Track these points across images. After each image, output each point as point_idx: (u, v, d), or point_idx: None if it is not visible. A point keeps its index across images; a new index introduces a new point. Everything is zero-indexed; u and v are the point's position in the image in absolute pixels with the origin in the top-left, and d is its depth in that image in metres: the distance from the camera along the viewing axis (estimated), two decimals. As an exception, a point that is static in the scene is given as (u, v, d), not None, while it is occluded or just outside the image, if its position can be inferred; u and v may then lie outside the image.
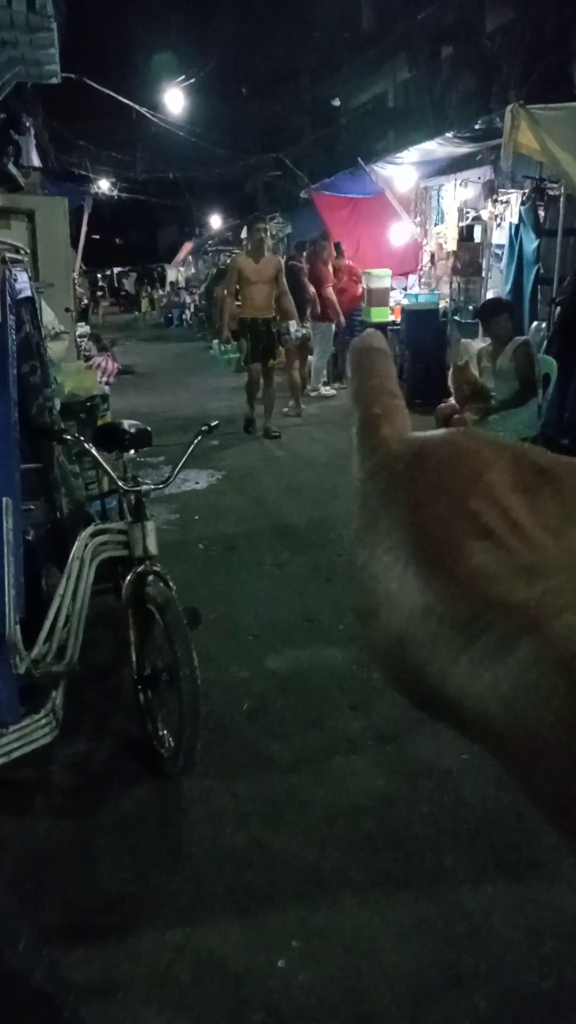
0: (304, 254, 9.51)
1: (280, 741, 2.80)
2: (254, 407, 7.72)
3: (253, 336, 7.35)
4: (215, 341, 8.05)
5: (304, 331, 7.91)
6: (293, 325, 7.53)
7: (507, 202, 7.48)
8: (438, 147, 8.67)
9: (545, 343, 5.88)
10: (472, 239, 8.67)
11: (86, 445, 2.81)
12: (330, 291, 9.05)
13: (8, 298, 2.33)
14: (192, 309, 22.38)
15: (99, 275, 29.63)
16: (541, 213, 6.86)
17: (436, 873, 2.19)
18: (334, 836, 2.34)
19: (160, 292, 28.77)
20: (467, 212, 9.00)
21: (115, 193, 19.70)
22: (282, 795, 2.52)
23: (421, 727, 2.86)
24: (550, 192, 6.71)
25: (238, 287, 7.48)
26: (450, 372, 5.94)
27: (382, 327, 9.42)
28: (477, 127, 7.87)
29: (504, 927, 2.01)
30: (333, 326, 9.23)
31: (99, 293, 29.03)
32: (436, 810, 2.43)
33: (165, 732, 2.60)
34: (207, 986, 1.89)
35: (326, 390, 9.45)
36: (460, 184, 9.20)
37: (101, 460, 2.80)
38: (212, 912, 2.09)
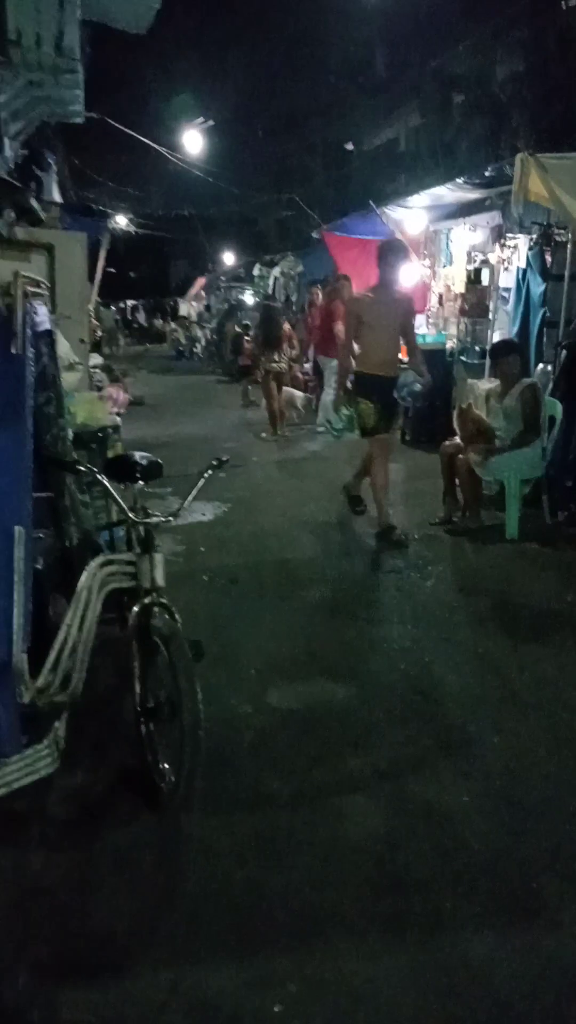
0: (324, 290, 9.76)
1: (280, 778, 2.78)
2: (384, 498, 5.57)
3: (381, 397, 5.44)
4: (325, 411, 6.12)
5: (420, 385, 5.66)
6: (410, 375, 5.56)
7: (515, 247, 7.61)
8: (448, 192, 8.85)
9: (551, 385, 5.94)
10: (480, 282, 8.80)
11: (98, 475, 2.84)
12: (340, 327, 9.21)
13: (28, 331, 2.38)
14: (203, 343, 22.66)
15: (113, 307, 30.04)
16: (548, 258, 6.97)
17: (435, 917, 2.17)
18: (332, 877, 2.32)
19: (172, 325, 29.15)
20: (475, 255, 9.15)
21: (131, 228, 20.07)
22: (281, 833, 2.50)
23: (422, 767, 2.84)
24: (557, 238, 6.83)
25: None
26: (456, 411, 6.00)
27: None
28: (487, 173, 8.04)
29: (504, 975, 1.98)
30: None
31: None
32: (436, 852, 2.41)
33: (165, 765, 2.59)
34: (201, 1028, 1.86)
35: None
36: (469, 228, 9.37)
37: (112, 490, 2.83)
38: (207, 952, 2.06)
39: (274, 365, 9.20)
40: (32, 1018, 1.89)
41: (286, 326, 9.47)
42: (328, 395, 9.63)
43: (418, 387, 5.56)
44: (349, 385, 5.55)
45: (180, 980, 1.97)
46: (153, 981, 1.97)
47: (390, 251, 5.57)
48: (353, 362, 5.52)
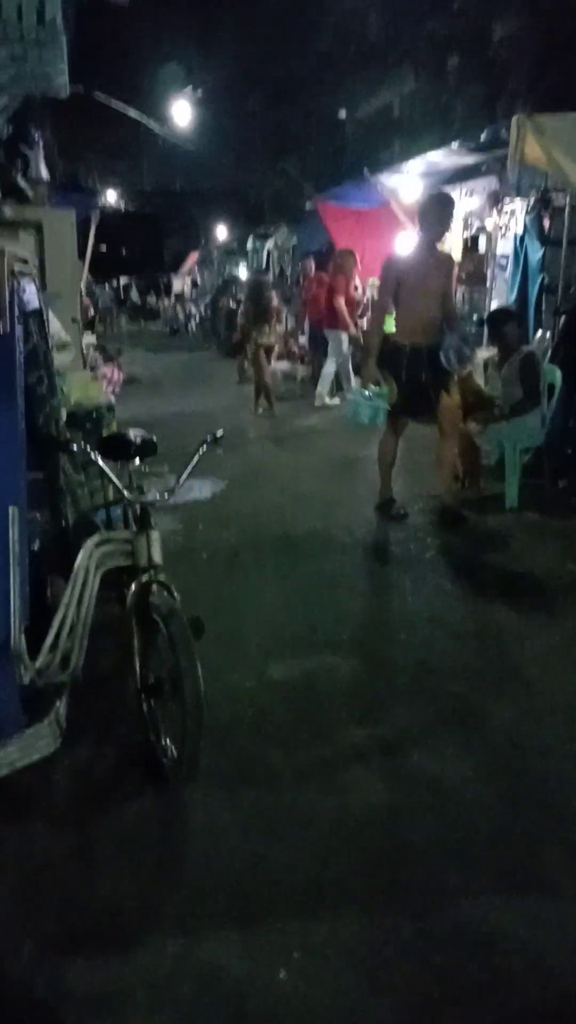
0: (329, 265, 9.78)
1: (283, 752, 2.79)
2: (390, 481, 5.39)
3: (417, 368, 4.97)
4: (354, 387, 5.28)
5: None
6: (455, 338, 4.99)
7: (512, 212, 7.51)
8: (443, 157, 8.70)
9: (550, 352, 5.88)
10: (477, 249, 8.70)
11: (92, 455, 2.82)
12: (341, 302, 9.22)
13: (16, 309, 2.35)
14: (197, 319, 22.48)
15: (107, 286, 29.76)
16: (546, 223, 6.88)
17: (439, 888, 2.18)
18: (337, 849, 2.33)
19: (166, 302, 28.90)
20: (472, 222, 9.03)
21: (122, 205, 19.82)
22: (285, 807, 2.51)
23: (426, 740, 2.85)
24: (555, 202, 6.73)
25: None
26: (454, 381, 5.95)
27: (386, 337, 9.49)
28: (482, 138, 7.90)
29: (507, 943, 1.99)
30: (345, 335, 9.38)
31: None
32: (439, 824, 2.42)
33: (168, 742, 2.60)
34: (207, 998, 1.88)
35: (331, 401, 9.51)
36: (465, 194, 9.23)
37: (107, 470, 2.81)
38: (213, 924, 2.08)
39: (263, 339, 9.19)
40: (40, 990, 1.91)
41: (275, 300, 9.45)
42: (330, 367, 9.61)
43: (466, 351, 5.04)
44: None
45: (186, 951, 2.00)
46: (159, 953, 1.99)
47: (436, 205, 5.00)
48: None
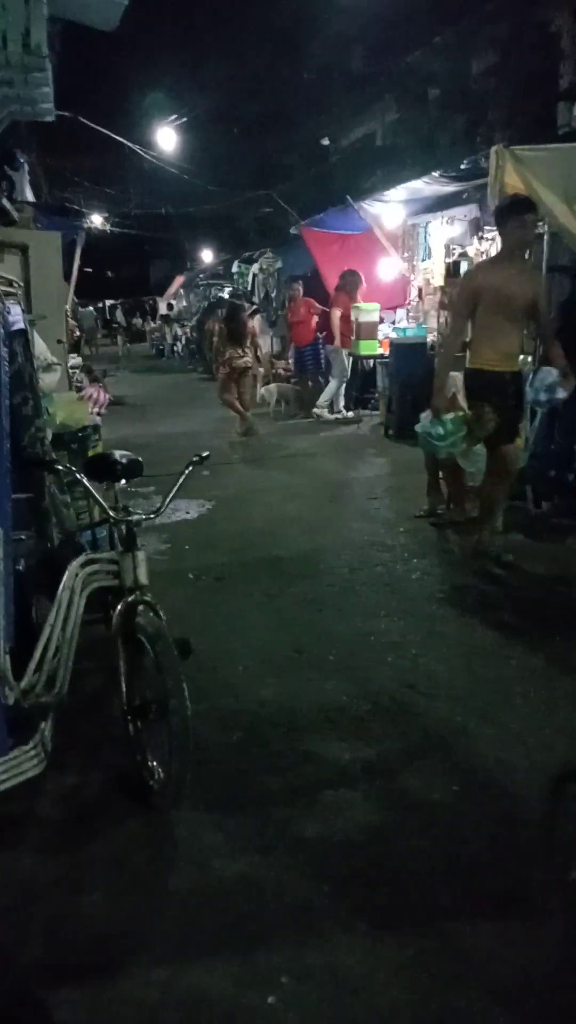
0: (337, 289, 10.11)
1: (270, 774, 2.78)
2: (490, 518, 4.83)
3: (504, 399, 4.46)
4: (424, 418, 4.82)
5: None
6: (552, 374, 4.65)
7: (493, 239, 7.64)
8: (425, 185, 8.88)
9: (531, 377, 5.96)
10: (458, 275, 8.82)
11: (77, 475, 2.82)
12: (336, 315, 9.52)
13: (1, 330, 2.36)
14: (183, 341, 22.60)
15: (91, 307, 29.90)
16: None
17: (429, 909, 2.17)
18: (325, 871, 2.31)
19: (152, 324, 29.05)
20: (453, 248, 9.19)
21: (108, 228, 19.95)
22: (272, 829, 2.49)
23: (411, 760, 2.85)
24: (535, 230, 6.85)
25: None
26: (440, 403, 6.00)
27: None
28: (463, 167, 8.07)
29: (498, 966, 1.98)
30: (345, 352, 9.66)
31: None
32: (428, 844, 2.41)
33: (155, 764, 2.57)
34: (196, 1025, 1.85)
35: (330, 415, 9.80)
36: (447, 221, 9.40)
37: (92, 490, 2.81)
38: (201, 949, 2.05)
39: (238, 361, 9.34)
40: (25, 1019, 1.87)
41: (250, 322, 9.72)
42: (333, 385, 9.83)
43: (562, 392, 4.55)
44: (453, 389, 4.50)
45: (174, 978, 1.96)
46: (147, 980, 1.96)
47: (518, 207, 4.28)
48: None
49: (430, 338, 9.09)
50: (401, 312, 10.85)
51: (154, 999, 1.91)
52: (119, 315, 33.56)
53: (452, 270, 9.07)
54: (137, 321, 32.20)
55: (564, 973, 1.97)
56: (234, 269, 18.82)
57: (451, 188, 8.81)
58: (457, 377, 6.51)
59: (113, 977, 1.97)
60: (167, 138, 15.75)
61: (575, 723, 3.04)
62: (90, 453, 4.50)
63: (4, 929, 2.13)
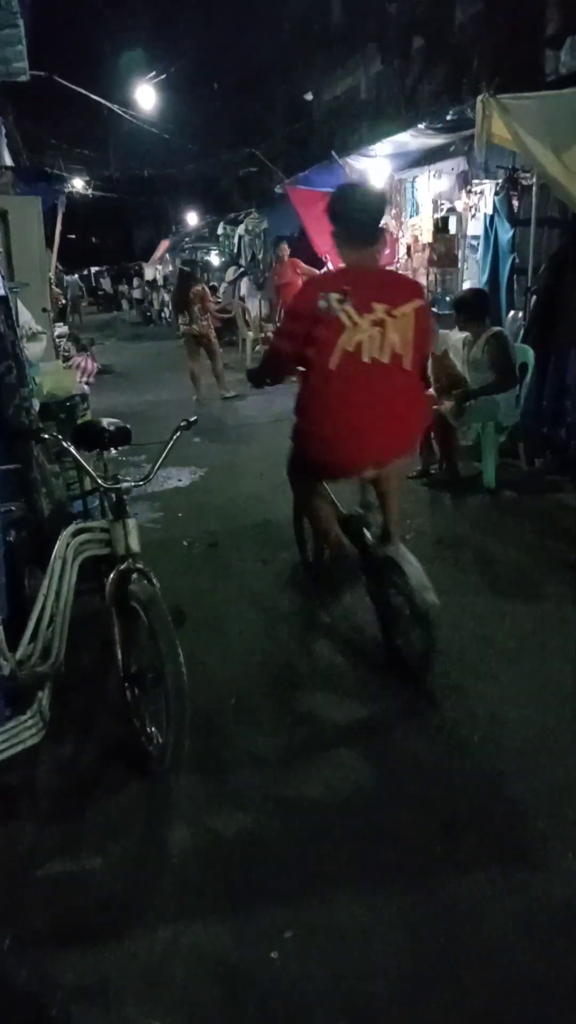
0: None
1: (268, 737, 2.80)
2: None
3: None
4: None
5: None
6: None
7: (481, 193, 7.49)
8: (411, 139, 8.66)
9: (522, 332, 5.90)
10: (447, 231, 8.69)
11: (64, 444, 2.79)
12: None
13: (-20, 297, 2.31)
14: (170, 307, 22.27)
15: (76, 275, 29.44)
16: (515, 203, 6.87)
17: (426, 863, 2.20)
18: (323, 830, 2.34)
19: (137, 292, 28.61)
20: (442, 204, 9.01)
21: (89, 192, 19.54)
22: (271, 791, 2.52)
23: (408, 719, 2.87)
24: (523, 182, 6.72)
25: None
26: (430, 359, 5.95)
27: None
28: (449, 118, 7.86)
29: (495, 915, 2.02)
30: None
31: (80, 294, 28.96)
32: (424, 800, 2.44)
33: (152, 730, 2.59)
34: (200, 982, 1.88)
35: None
36: (434, 176, 9.20)
37: (80, 459, 2.78)
38: (203, 909, 2.09)
39: (184, 328, 9.46)
40: (32, 983, 1.90)
41: (198, 287, 9.62)
42: None
43: None
44: None
45: (177, 937, 2.00)
46: (152, 940, 2.00)
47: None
48: None
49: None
50: (389, 270, 10.70)
51: (158, 957, 1.94)
52: (106, 282, 33.07)
53: (441, 225, 8.92)
54: (123, 288, 31.72)
55: (559, 921, 2.00)
56: (219, 231, 18.48)
57: (438, 140, 8.60)
58: (448, 335, 6.45)
59: (117, 939, 2.00)
60: (146, 97, 15.30)
61: (567, 678, 3.07)
62: (79, 422, 4.46)
63: (7, 895, 2.16)
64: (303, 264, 10.30)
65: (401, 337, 2.71)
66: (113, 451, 3.02)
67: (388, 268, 10.52)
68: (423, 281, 9.20)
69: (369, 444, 2.85)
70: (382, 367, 2.72)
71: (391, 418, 2.81)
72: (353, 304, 2.64)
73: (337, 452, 2.90)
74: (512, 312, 6.68)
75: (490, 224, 7.23)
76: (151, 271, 28.69)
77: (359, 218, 2.83)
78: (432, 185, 9.27)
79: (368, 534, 3.21)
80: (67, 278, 21.08)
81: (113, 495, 2.68)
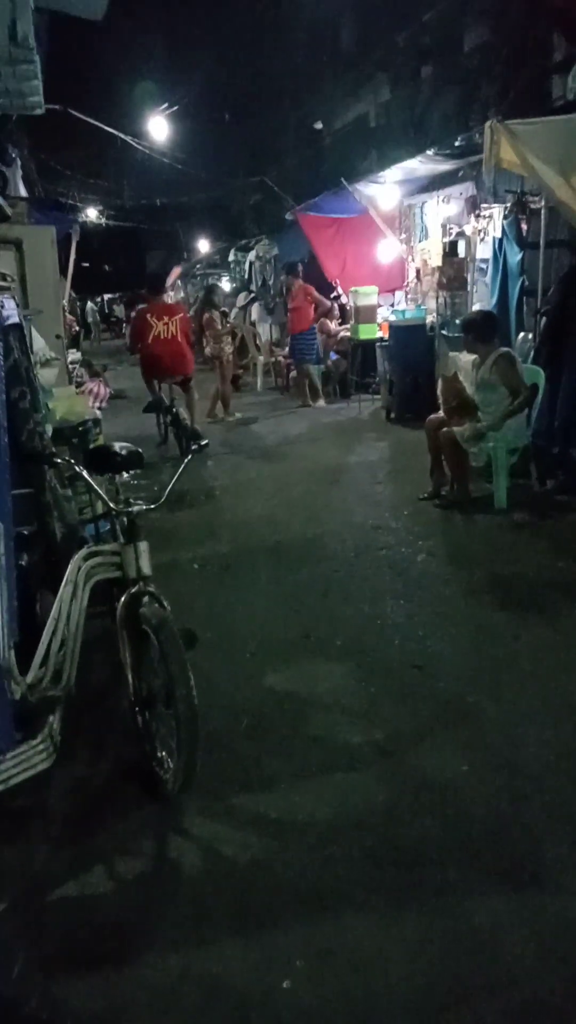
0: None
1: (280, 759, 2.78)
2: None
3: None
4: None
5: None
6: None
7: (490, 216, 7.56)
8: (420, 165, 8.77)
9: (532, 353, 5.92)
10: (456, 254, 8.75)
11: (76, 468, 2.81)
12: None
13: (-5, 324, 2.34)
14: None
15: (90, 302, 29.81)
16: (524, 226, 6.93)
17: (441, 887, 2.17)
18: (337, 853, 2.32)
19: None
20: (450, 228, 9.09)
21: (102, 220, 19.85)
22: (283, 814, 2.50)
23: (421, 741, 2.85)
24: (532, 205, 6.78)
25: None
26: (440, 381, 5.98)
27: (370, 344, 9.62)
28: (457, 144, 7.97)
29: (511, 940, 1.98)
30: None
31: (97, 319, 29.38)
32: (439, 824, 2.41)
33: (164, 754, 2.58)
34: (212, 1010, 1.86)
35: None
36: (443, 200, 9.30)
37: (92, 482, 2.81)
38: (215, 934, 2.06)
39: (214, 352, 9.91)
40: (42, 1009, 1.89)
41: (206, 314, 10.04)
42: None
43: None
44: None
45: (189, 964, 1.98)
46: (163, 966, 1.97)
47: None
48: None
49: (429, 319, 9.02)
50: (400, 294, 10.78)
51: (169, 985, 1.92)
52: (118, 309, 33.40)
53: (449, 249, 9.00)
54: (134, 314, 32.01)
55: (575, 945, 1.97)
56: (231, 257, 18.70)
57: (446, 166, 8.71)
58: (458, 357, 6.47)
59: (128, 964, 1.98)
60: (158, 127, 15.59)
61: (584, 699, 3.04)
62: (91, 446, 4.51)
63: (17, 920, 2.15)
64: (315, 292, 10.40)
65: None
66: (125, 475, 3.05)
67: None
68: (432, 305, 9.28)
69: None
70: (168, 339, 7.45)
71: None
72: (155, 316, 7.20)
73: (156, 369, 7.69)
74: (522, 334, 6.71)
75: (499, 247, 7.29)
76: (164, 297, 28.98)
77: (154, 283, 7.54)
78: (441, 210, 9.36)
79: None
80: (89, 305, 21.33)
81: (125, 519, 2.70)
